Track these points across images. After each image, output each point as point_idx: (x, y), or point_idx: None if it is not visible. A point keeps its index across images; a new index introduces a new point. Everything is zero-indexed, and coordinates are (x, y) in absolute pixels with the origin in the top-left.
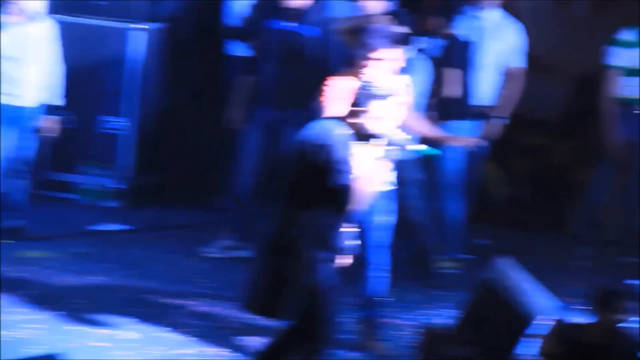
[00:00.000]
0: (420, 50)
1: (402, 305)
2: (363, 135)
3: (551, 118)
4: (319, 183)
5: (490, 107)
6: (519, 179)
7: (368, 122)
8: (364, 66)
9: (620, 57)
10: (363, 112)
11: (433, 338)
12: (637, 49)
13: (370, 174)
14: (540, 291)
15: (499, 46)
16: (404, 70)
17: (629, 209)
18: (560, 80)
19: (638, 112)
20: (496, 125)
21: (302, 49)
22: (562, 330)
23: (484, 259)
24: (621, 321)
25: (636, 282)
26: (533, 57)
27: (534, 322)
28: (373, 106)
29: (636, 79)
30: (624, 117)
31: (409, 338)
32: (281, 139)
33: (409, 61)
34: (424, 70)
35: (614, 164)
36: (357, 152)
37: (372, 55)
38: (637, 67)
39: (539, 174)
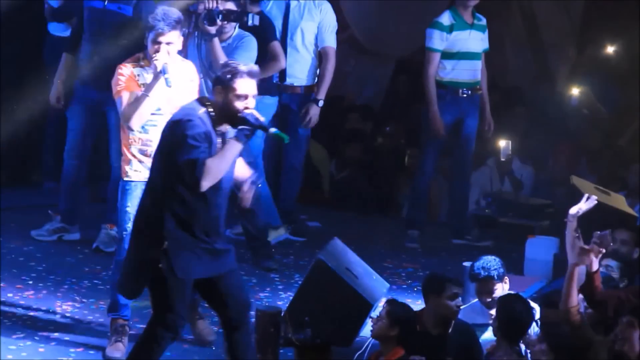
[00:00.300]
0: (246, 28)
1: None
2: (225, 115)
3: (376, 101)
4: (175, 160)
5: (306, 87)
6: (349, 163)
7: (230, 100)
8: (154, 50)
9: (440, 41)
10: (226, 91)
11: (266, 320)
12: (457, 32)
13: (227, 152)
14: (371, 274)
15: (312, 26)
16: (235, 49)
17: (455, 191)
18: (384, 63)
19: (464, 95)
20: (314, 106)
21: (116, 28)
22: (394, 314)
23: (316, 242)
24: (452, 307)
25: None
26: (355, 40)
27: (367, 304)
28: (237, 85)
29: (457, 61)
30: (447, 100)
31: None
32: (102, 118)
33: (236, 38)
34: (251, 48)
35: (439, 147)
36: (218, 131)
37: (158, 38)
38: (458, 51)
39: (368, 158)
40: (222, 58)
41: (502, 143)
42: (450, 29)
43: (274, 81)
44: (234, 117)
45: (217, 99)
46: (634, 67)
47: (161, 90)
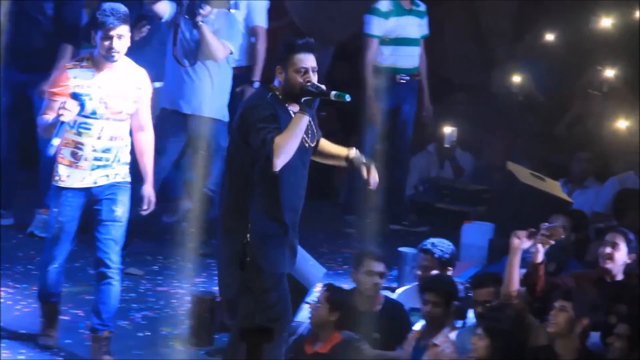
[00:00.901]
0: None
1: (171, 273)
2: (289, 92)
3: None
4: (247, 148)
5: (238, 68)
6: None
7: (290, 76)
8: (105, 46)
9: (378, 27)
10: (286, 68)
11: (201, 305)
12: (395, 18)
13: (293, 125)
14: (308, 259)
15: (240, 7)
16: (220, 27)
17: (393, 176)
18: (322, 49)
19: (402, 81)
20: (249, 87)
21: (38, 8)
22: (334, 299)
23: None
24: (367, 282)
25: (407, 249)
26: (294, 25)
27: (303, 289)
28: (295, 60)
29: (396, 47)
30: (385, 85)
31: (177, 306)
32: (28, 101)
33: (219, 15)
34: (236, 24)
35: (377, 132)
36: (290, 111)
37: (109, 32)
38: (396, 37)
39: None
40: (214, 42)
41: (447, 129)
42: (388, 15)
43: None
44: (298, 92)
45: (279, 79)
46: (572, 55)
47: (97, 94)
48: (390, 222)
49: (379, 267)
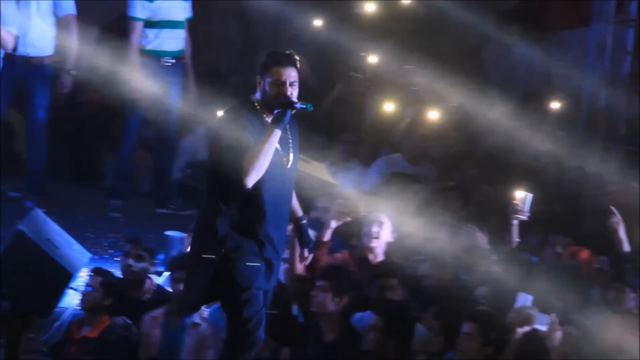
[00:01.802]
0: None
1: None
2: (266, 104)
3: (79, 70)
4: (223, 164)
5: (42, 58)
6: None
7: (267, 89)
8: None
9: (142, 9)
10: (264, 80)
11: None
12: (159, 1)
13: (263, 139)
14: (72, 244)
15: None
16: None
17: (159, 159)
18: (86, 31)
19: (167, 64)
20: (67, 75)
21: None
22: (109, 285)
23: (16, 212)
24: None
25: (174, 233)
26: None
27: (67, 274)
28: (272, 73)
29: (160, 30)
30: (150, 68)
31: None
32: None
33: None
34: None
35: (142, 116)
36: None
37: None
38: (160, 19)
39: (69, 127)
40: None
41: (220, 113)
42: None
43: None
44: (272, 105)
45: (258, 89)
46: (337, 38)
47: None
48: (156, 205)
49: (135, 249)
